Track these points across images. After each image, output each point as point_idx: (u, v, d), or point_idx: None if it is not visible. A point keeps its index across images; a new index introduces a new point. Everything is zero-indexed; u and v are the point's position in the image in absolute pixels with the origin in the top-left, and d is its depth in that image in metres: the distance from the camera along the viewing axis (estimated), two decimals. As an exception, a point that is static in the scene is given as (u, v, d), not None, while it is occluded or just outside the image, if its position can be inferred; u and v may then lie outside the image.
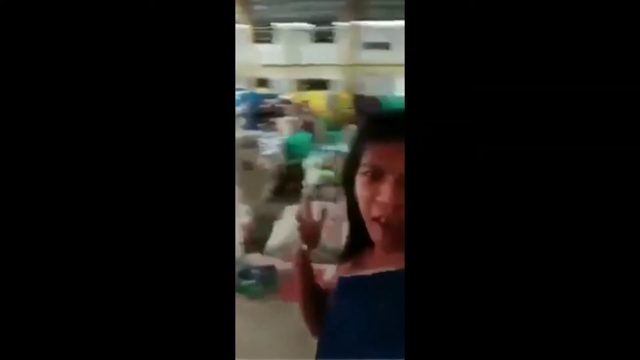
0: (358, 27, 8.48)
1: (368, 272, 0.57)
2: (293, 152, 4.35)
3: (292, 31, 11.89)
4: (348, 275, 0.60)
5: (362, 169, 0.52)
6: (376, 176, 0.50)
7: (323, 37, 11.67)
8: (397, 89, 9.02)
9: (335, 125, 5.92)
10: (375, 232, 0.52)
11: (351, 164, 0.55)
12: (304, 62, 11.23)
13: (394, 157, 0.48)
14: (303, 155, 4.13)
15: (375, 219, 0.50)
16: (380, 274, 0.55)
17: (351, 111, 6.90)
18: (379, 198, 0.49)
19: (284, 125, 5.18)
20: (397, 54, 9.14)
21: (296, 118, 5.47)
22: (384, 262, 0.55)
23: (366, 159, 0.52)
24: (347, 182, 0.57)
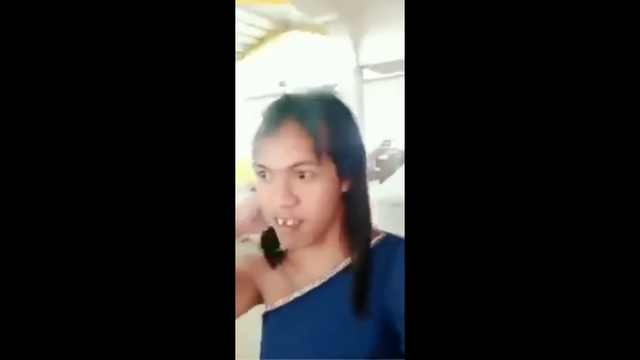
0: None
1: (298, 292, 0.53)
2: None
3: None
4: (281, 304, 0.54)
5: (256, 171, 0.49)
6: (266, 176, 0.47)
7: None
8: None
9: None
10: (284, 238, 0.49)
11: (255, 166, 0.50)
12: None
13: (277, 151, 0.45)
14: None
15: (282, 225, 0.47)
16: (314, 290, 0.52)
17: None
18: (276, 201, 0.46)
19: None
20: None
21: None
22: (304, 268, 0.54)
23: (257, 158, 0.48)
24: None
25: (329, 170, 0.47)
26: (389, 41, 3.65)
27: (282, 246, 0.51)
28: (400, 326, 0.45)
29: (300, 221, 0.47)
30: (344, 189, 0.50)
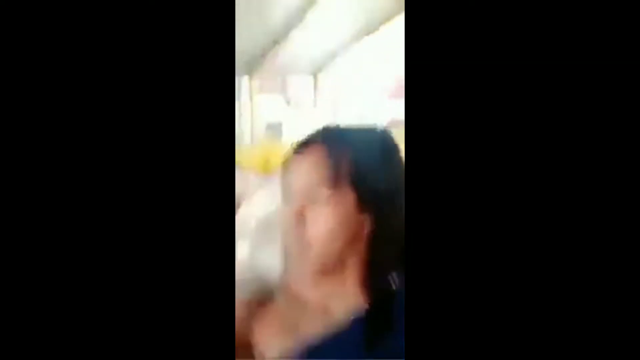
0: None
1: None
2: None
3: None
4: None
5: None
6: (284, 195, 0.47)
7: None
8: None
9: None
10: (290, 262, 0.47)
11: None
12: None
13: (297, 171, 0.46)
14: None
15: (288, 246, 0.47)
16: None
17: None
18: (287, 222, 0.45)
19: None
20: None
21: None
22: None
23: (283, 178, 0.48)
24: None
25: (346, 198, 0.44)
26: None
27: (287, 271, 0.48)
28: None
29: (308, 246, 0.44)
30: (367, 226, 0.45)
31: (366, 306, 0.45)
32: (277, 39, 6.33)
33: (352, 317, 0.45)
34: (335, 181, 0.44)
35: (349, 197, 0.44)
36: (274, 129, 7.24)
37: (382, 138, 0.49)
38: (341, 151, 0.45)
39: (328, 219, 0.44)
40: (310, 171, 0.44)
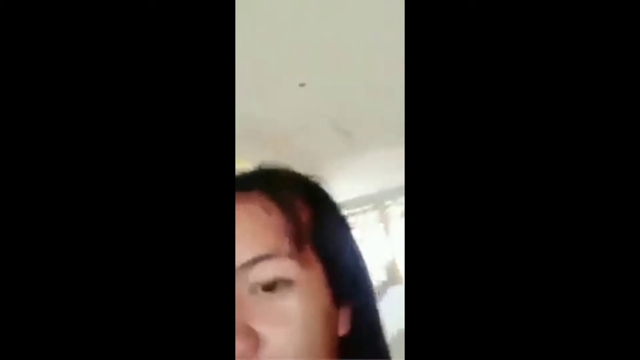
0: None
1: None
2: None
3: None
4: None
5: None
6: None
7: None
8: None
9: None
10: None
11: None
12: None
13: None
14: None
15: None
16: None
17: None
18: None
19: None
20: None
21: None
22: None
23: None
24: None
25: (315, 278, 0.28)
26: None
27: None
28: None
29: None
30: (342, 329, 0.30)
31: None
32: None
33: None
34: (299, 246, 0.28)
35: (318, 278, 0.29)
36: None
37: (323, 192, 0.35)
38: (293, 199, 0.30)
39: (297, 326, 0.27)
40: (250, 237, 0.28)
